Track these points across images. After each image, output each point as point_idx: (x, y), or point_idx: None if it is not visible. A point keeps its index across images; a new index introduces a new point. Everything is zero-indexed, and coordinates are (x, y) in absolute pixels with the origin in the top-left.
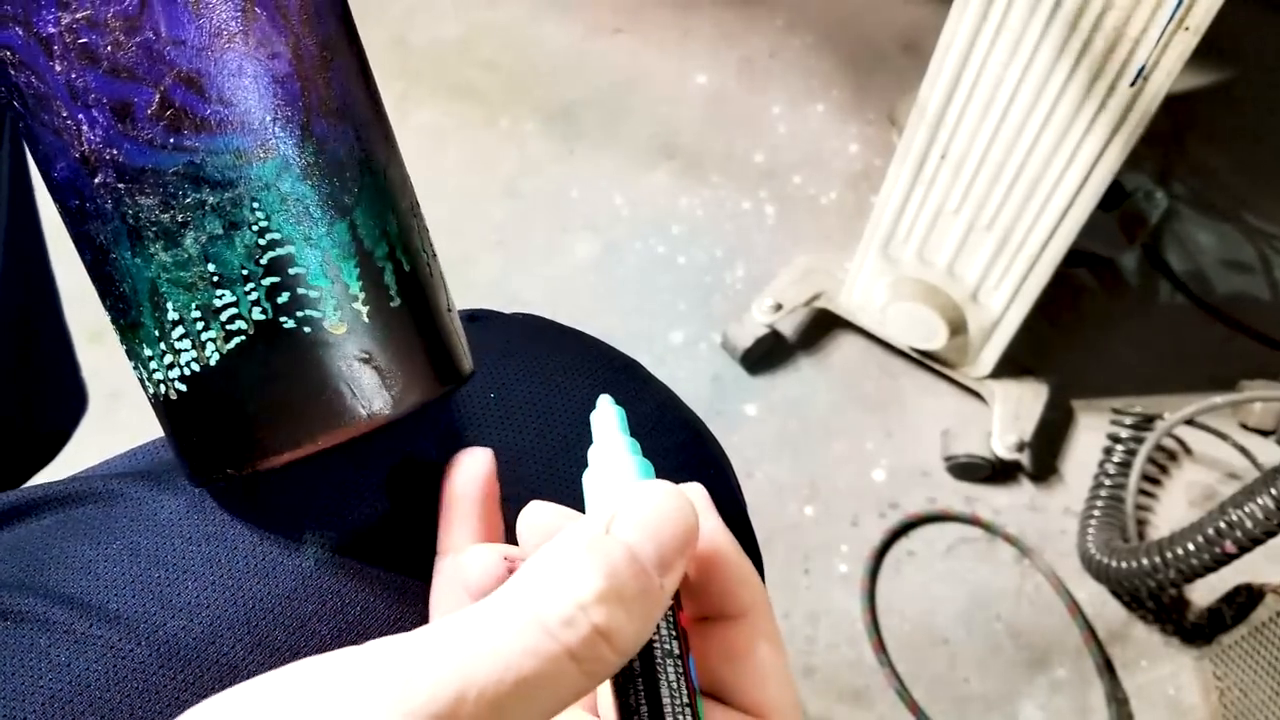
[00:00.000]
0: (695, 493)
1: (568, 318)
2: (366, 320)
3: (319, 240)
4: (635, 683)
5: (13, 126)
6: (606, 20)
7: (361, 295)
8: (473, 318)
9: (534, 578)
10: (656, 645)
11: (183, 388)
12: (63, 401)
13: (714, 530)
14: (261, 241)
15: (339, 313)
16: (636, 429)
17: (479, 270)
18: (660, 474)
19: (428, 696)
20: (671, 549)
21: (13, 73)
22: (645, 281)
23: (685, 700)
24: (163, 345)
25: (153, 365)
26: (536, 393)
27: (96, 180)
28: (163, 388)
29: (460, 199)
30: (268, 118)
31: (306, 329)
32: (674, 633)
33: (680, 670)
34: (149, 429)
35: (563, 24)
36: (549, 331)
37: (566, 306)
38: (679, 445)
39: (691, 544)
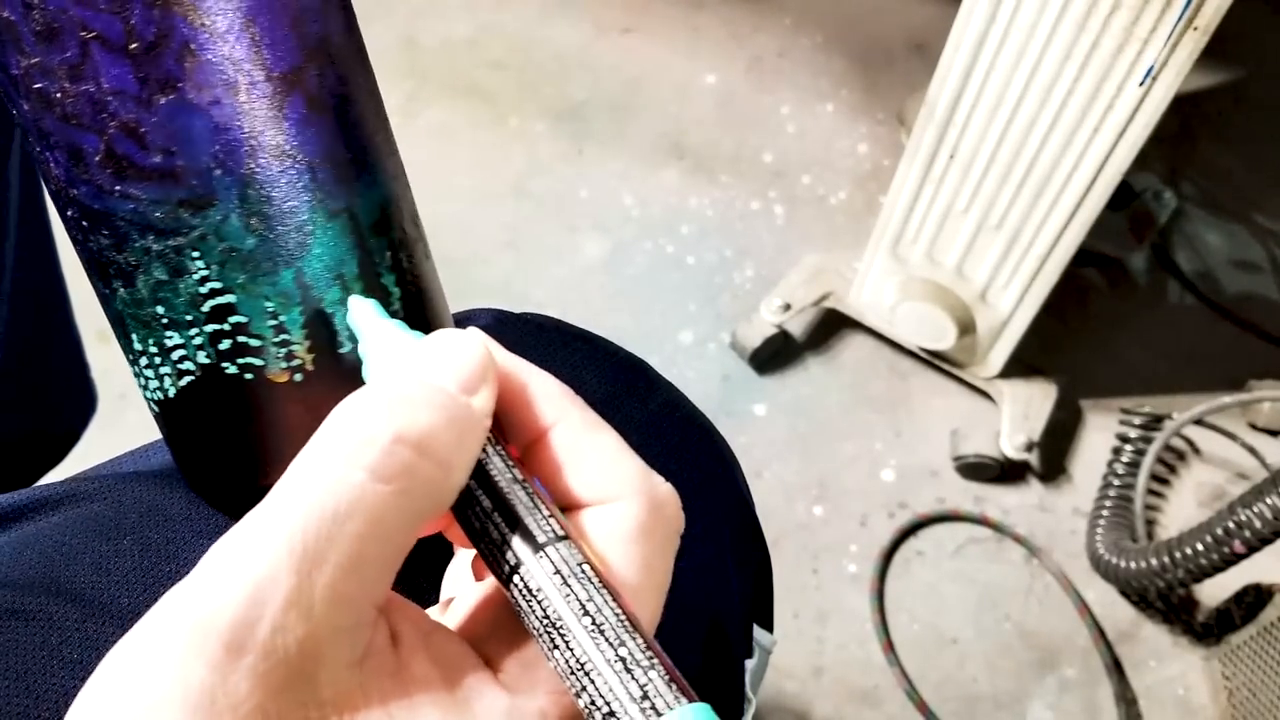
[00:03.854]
0: (476, 332)
1: (577, 318)
2: (311, 368)
3: (260, 289)
4: (476, 499)
5: (23, 133)
6: (615, 20)
7: (306, 344)
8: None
9: (312, 444)
10: (489, 468)
11: (156, 409)
12: (72, 402)
13: (506, 357)
14: (203, 290)
15: (281, 362)
16: (644, 428)
17: (488, 270)
18: (667, 473)
19: (216, 604)
20: (467, 370)
21: (9, 103)
22: (654, 281)
23: (533, 503)
24: (136, 369)
25: (138, 382)
26: None
27: (68, 214)
28: (148, 403)
29: (469, 199)
30: (208, 167)
31: (248, 375)
32: (508, 462)
33: (519, 478)
34: (157, 430)
35: (572, 23)
36: (556, 332)
37: (575, 306)
38: (687, 444)
39: (487, 365)
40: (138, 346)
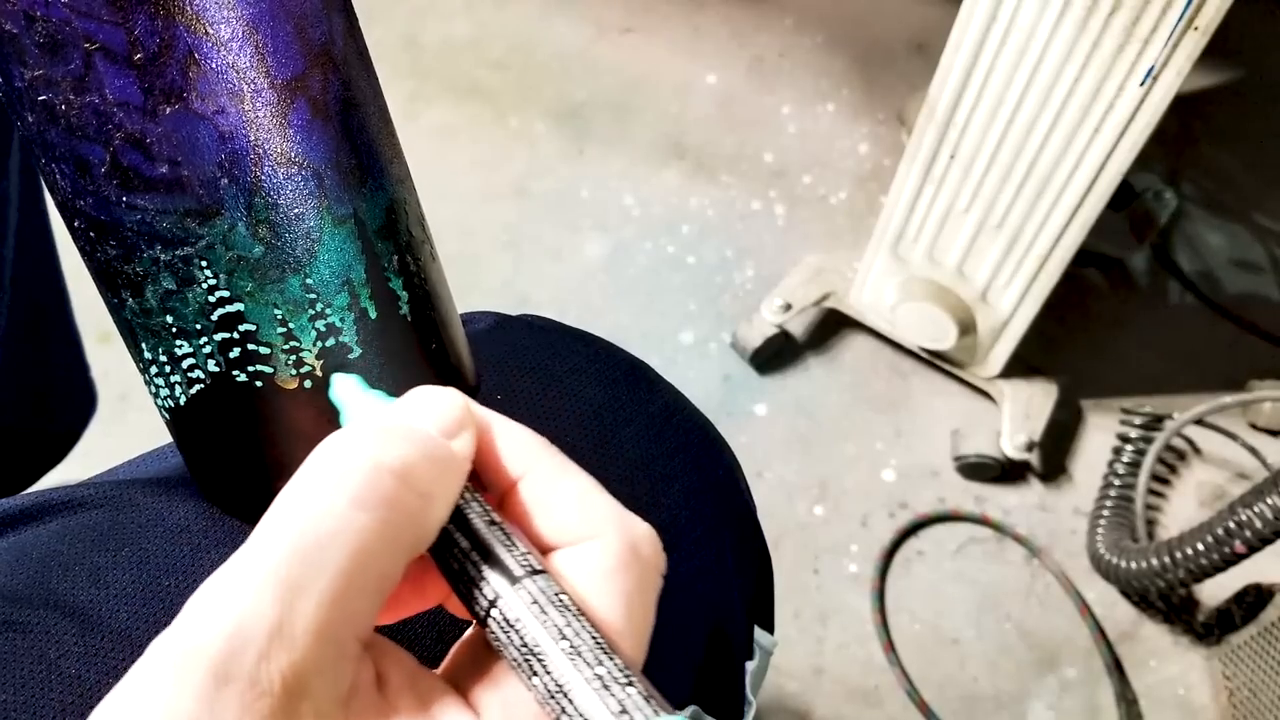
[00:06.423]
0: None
1: (577, 318)
2: (320, 374)
3: (269, 298)
4: (455, 541)
5: (26, 144)
6: (616, 20)
7: (315, 349)
8: (468, 320)
9: (295, 478)
10: (467, 512)
11: (167, 416)
12: (72, 402)
13: (479, 411)
14: (211, 299)
15: (290, 369)
16: (645, 430)
17: (488, 270)
18: (668, 473)
19: (203, 638)
20: (446, 417)
21: (11, 114)
22: (655, 281)
23: (510, 541)
24: (146, 377)
25: (149, 390)
26: (544, 395)
27: (75, 224)
28: (159, 410)
29: (470, 199)
30: (214, 176)
31: (258, 383)
32: (485, 507)
33: (496, 520)
34: (157, 431)
35: (573, 23)
36: (557, 333)
37: (576, 306)
38: (687, 446)
39: (465, 415)
40: (147, 355)
